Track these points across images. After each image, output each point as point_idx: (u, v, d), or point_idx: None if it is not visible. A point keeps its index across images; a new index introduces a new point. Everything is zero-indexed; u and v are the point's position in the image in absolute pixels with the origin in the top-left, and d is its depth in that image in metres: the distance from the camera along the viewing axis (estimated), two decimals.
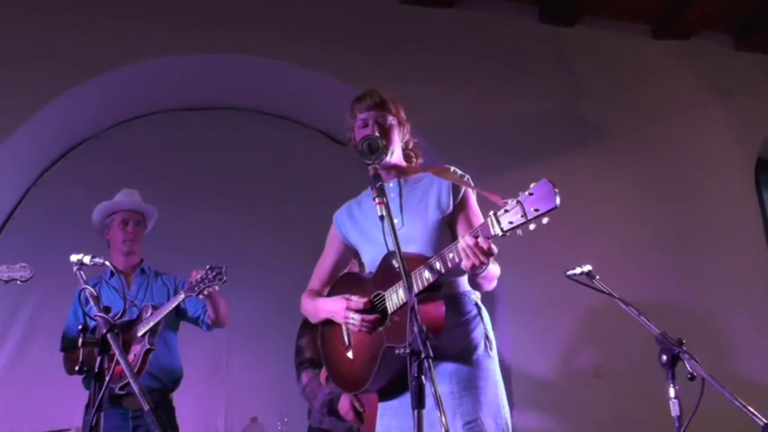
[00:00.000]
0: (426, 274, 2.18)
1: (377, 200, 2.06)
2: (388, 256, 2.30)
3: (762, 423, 2.45)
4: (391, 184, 2.53)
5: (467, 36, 5.48)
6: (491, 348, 2.40)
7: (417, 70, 5.25)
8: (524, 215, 1.91)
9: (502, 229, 1.99)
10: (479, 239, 2.06)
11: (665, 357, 2.70)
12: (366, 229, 2.55)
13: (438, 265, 2.18)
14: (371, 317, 2.32)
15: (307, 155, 5.62)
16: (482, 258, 2.06)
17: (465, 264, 2.09)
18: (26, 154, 4.86)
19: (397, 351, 2.16)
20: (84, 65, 4.69)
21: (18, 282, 3.34)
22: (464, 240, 2.08)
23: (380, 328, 2.32)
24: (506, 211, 1.97)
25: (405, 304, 2.16)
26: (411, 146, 2.65)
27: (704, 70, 5.94)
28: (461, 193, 2.47)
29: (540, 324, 4.90)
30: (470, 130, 5.21)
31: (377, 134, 2.44)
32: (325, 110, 5.58)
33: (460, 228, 2.42)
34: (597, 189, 5.36)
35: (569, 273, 3.16)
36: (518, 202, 1.93)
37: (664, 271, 5.20)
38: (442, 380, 2.28)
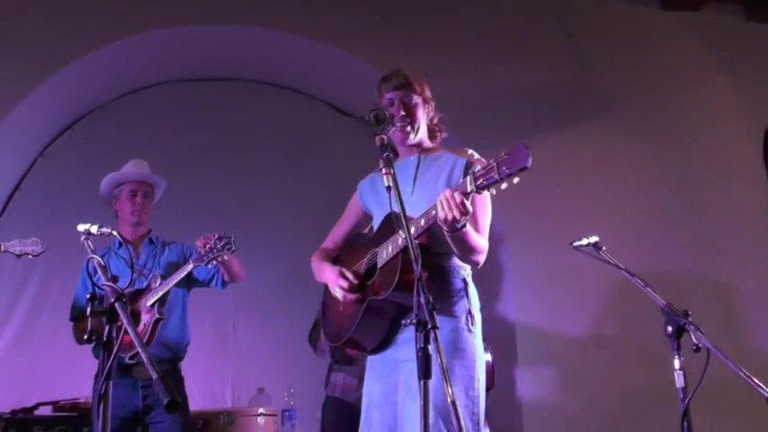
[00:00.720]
0: (412, 229, 2.26)
1: (384, 170, 2.08)
2: (389, 216, 2.42)
3: (767, 394, 2.46)
4: (412, 158, 2.64)
5: (474, 7, 5.43)
6: (473, 324, 2.46)
7: (424, 41, 5.21)
8: (498, 174, 1.95)
9: (477, 186, 2.04)
10: (455, 193, 2.11)
11: (670, 328, 2.70)
12: (383, 199, 2.60)
13: (422, 221, 2.26)
14: (353, 295, 2.47)
15: (312, 125, 5.61)
16: (455, 213, 2.11)
17: (440, 215, 2.15)
18: (32, 125, 4.85)
19: (403, 322, 2.21)
20: (89, 36, 4.67)
21: (30, 256, 3.37)
22: (443, 194, 2.15)
23: (369, 282, 2.45)
24: (484, 169, 2.02)
25: (392, 258, 2.32)
26: (435, 121, 2.73)
27: (714, 41, 5.87)
28: None
29: (546, 295, 4.91)
30: (478, 102, 5.18)
31: (402, 113, 2.57)
32: (330, 81, 5.56)
33: None
34: (605, 160, 5.34)
35: (576, 244, 3.16)
36: (495, 162, 1.98)
37: (670, 243, 5.19)
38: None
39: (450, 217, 2.13)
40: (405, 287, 2.26)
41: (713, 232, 5.33)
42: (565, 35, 5.63)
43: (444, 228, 2.20)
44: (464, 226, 2.21)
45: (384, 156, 2.12)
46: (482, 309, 2.56)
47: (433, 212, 2.21)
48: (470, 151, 2.57)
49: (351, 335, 2.50)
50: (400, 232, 2.25)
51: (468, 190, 2.08)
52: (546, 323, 4.88)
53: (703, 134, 5.61)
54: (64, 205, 4.84)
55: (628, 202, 5.26)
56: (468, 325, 2.44)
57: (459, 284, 2.48)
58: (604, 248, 3.12)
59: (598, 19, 5.69)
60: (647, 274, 3.05)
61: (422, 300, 1.83)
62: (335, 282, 2.53)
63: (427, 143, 2.69)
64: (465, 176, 2.32)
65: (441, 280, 2.44)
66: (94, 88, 5.16)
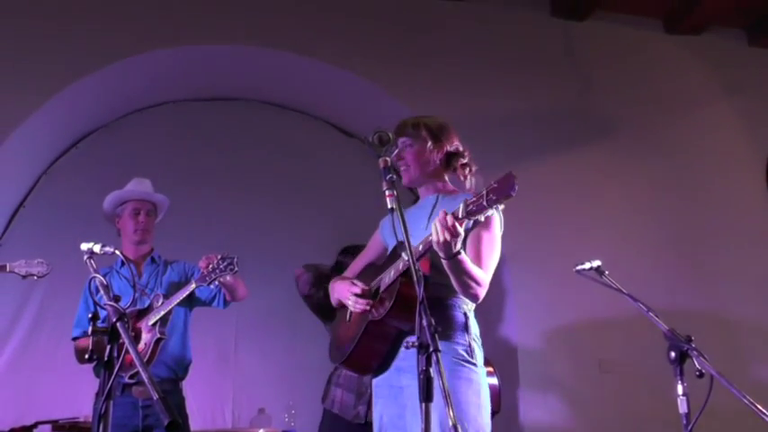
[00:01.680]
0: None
1: (387, 192, 2.09)
2: (396, 247, 2.49)
3: None
4: (431, 197, 2.70)
5: (477, 29, 5.46)
6: (474, 356, 2.49)
7: (427, 63, 5.24)
8: (485, 202, 2.05)
9: (468, 212, 2.12)
10: (447, 216, 2.18)
11: (673, 354, 2.69)
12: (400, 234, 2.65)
13: (420, 247, 2.32)
14: (364, 301, 2.54)
15: (316, 146, 5.63)
16: (446, 235, 2.17)
17: (433, 238, 2.21)
18: (37, 143, 4.87)
19: (404, 345, 2.24)
20: (94, 55, 4.70)
21: (35, 277, 3.37)
22: (436, 219, 2.21)
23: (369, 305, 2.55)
24: (475, 197, 2.10)
25: (392, 283, 2.42)
26: (453, 163, 2.73)
27: (716, 66, 5.89)
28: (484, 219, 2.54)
29: (548, 319, 4.90)
30: (480, 124, 5.19)
31: (396, 158, 2.62)
32: (335, 101, 5.58)
33: (469, 243, 2.49)
34: (607, 184, 5.35)
35: (578, 268, 3.15)
36: (485, 190, 2.07)
37: (673, 267, 5.18)
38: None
39: (441, 239, 2.18)
40: (401, 309, 2.34)
41: (716, 257, 5.32)
42: (567, 59, 5.66)
43: (440, 253, 2.24)
44: (459, 253, 2.25)
45: (387, 178, 2.14)
46: (484, 333, 2.59)
47: (430, 238, 2.25)
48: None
49: (350, 354, 2.55)
50: (403, 255, 2.31)
51: (461, 215, 2.15)
52: (548, 347, 4.86)
53: (706, 158, 5.62)
54: (67, 224, 4.84)
55: (630, 225, 5.26)
56: (468, 358, 2.46)
57: (461, 318, 2.52)
58: (607, 273, 3.11)
59: (601, 42, 5.72)
60: (650, 297, 3.05)
61: (424, 322, 1.83)
62: (348, 290, 2.61)
63: (447, 185, 2.74)
64: (482, 225, 2.41)
65: (442, 313, 2.46)
66: (99, 107, 5.19)
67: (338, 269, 3.90)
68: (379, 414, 2.59)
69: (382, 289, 2.50)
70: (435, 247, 2.22)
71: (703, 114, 5.76)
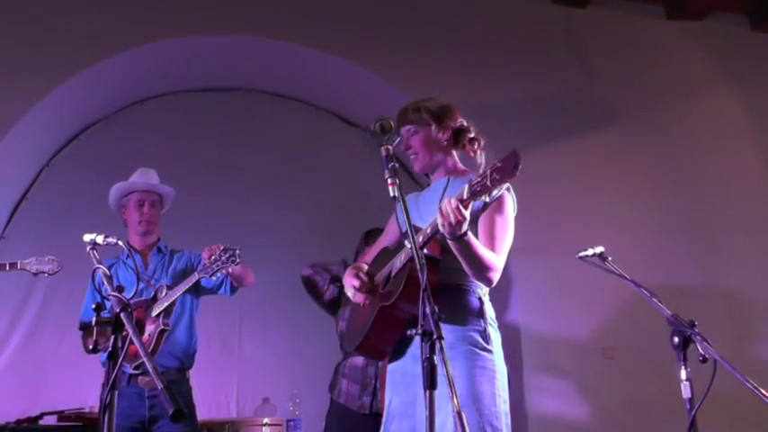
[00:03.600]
0: (420, 238, 2.32)
1: (389, 180, 2.10)
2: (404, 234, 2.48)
3: None
4: (442, 180, 2.68)
5: (479, 18, 5.45)
6: (488, 343, 2.46)
7: (429, 52, 5.22)
8: (489, 182, 2.03)
9: (471, 194, 2.11)
10: (452, 199, 2.17)
11: (676, 339, 2.69)
12: (414, 220, 2.64)
13: (428, 230, 2.32)
14: (362, 295, 2.58)
15: (318, 136, 5.62)
16: (451, 217, 2.15)
17: (439, 221, 2.20)
18: (38, 135, 4.87)
19: (409, 332, 2.23)
20: (96, 45, 4.69)
21: (46, 275, 3.38)
22: (442, 202, 2.21)
23: (381, 290, 2.54)
24: (479, 177, 2.09)
25: (402, 268, 2.41)
26: (461, 139, 2.72)
27: (719, 52, 5.87)
28: (495, 199, 2.53)
29: (552, 305, 4.90)
30: (481, 113, 5.11)
31: (404, 148, 2.66)
32: (336, 91, 5.57)
33: (480, 225, 2.49)
34: (609, 171, 5.34)
35: (581, 254, 3.14)
36: (488, 170, 2.05)
37: (676, 253, 5.19)
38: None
39: (446, 222, 2.17)
40: (412, 294, 2.28)
41: (719, 242, 5.32)
42: (569, 46, 5.63)
43: (447, 236, 2.23)
44: (465, 234, 2.23)
45: (389, 166, 2.15)
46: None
47: (437, 221, 2.24)
48: None
49: (363, 339, 2.53)
50: (406, 243, 2.31)
51: (465, 197, 2.13)
52: (552, 333, 4.87)
53: (708, 144, 5.60)
54: (70, 215, 4.84)
55: (633, 212, 5.26)
56: (483, 344, 2.44)
57: (476, 303, 2.50)
58: (610, 259, 3.11)
59: (602, 29, 5.70)
60: (653, 283, 3.04)
61: (427, 310, 1.84)
62: (350, 281, 2.62)
63: (457, 165, 2.72)
64: (493, 205, 2.46)
65: (456, 299, 2.46)
66: (101, 99, 5.18)
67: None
68: (389, 400, 2.57)
69: (393, 273, 2.49)
70: (441, 229, 2.21)
71: (705, 100, 5.75)
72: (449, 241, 2.27)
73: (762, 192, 5.59)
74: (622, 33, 5.72)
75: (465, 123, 2.73)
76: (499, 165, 2.01)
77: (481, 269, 2.39)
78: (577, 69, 5.58)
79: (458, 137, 2.71)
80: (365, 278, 2.61)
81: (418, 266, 1.94)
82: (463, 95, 5.12)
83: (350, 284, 2.61)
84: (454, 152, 2.72)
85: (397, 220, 2.15)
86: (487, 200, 2.13)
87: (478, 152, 2.71)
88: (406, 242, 2.26)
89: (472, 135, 2.73)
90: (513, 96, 5.32)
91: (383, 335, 2.51)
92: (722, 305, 5.10)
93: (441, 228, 2.21)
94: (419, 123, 2.68)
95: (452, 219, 2.15)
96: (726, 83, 5.82)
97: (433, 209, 2.42)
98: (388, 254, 2.67)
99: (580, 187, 5.20)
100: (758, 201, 5.55)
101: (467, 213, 2.17)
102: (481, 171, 2.11)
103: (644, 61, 5.68)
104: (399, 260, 2.46)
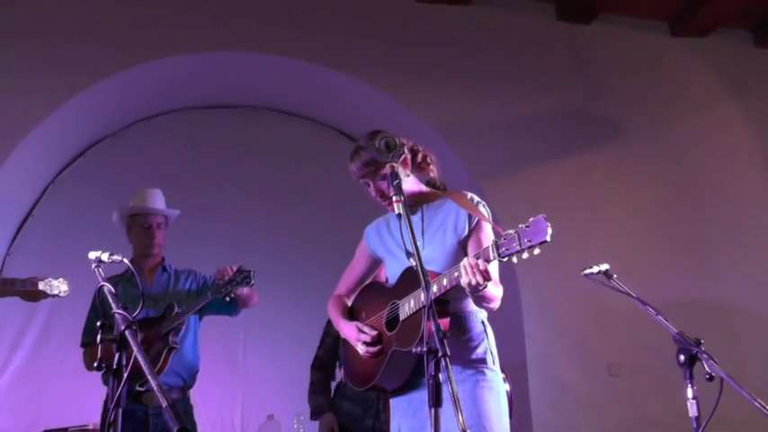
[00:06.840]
0: (434, 288, 2.33)
1: (394, 197, 2.10)
2: (408, 269, 2.50)
3: None
4: (416, 214, 2.63)
5: (483, 34, 5.47)
6: (494, 363, 2.52)
7: (433, 68, 5.25)
8: (519, 245, 2.07)
9: (499, 255, 2.15)
10: (479, 261, 2.21)
11: (682, 357, 2.68)
12: (391, 248, 2.70)
13: (445, 281, 2.33)
14: (374, 349, 2.55)
15: (324, 152, 5.62)
16: (478, 279, 2.21)
17: (463, 280, 2.23)
18: (44, 152, 4.89)
19: (414, 349, 2.23)
20: (101, 63, 4.72)
21: (59, 296, 3.38)
22: (467, 260, 2.23)
23: (391, 333, 2.51)
24: (505, 239, 2.12)
25: (415, 313, 2.38)
26: (420, 160, 2.71)
27: (723, 68, 5.88)
28: (476, 219, 2.57)
29: (557, 323, 4.88)
30: (486, 128, 5.19)
31: (378, 198, 2.60)
32: (340, 107, 5.59)
33: (471, 250, 2.52)
34: (614, 187, 5.34)
35: (586, 272, 3.14)
36: (516, 232, 2.09)
37: (681, 270, 5.17)
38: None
39: (473, 282, 2.21)
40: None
41: (724, 259, 5.30)
42: (574, 62, 5.65)
43: (467, 290, 2.28)
44: (485, 287, 2.27)
45: (394, 183, 2.15)
46: (494, 338, 2.60)
47: (456, 274, 2.27)
48: (470, 195, 2.62)
49: (376, 382, 2.56)
50: (411, 260, 2.33)
51: (491, 258, 2.18)
52: (557, 350, 4.85)
53: (713, 160, 5.60)
54: (75, 232, 4.86)
55: (638, 228, 5.25)
56: (490, 364, 2.50)
57: (479, 327, 2.54)
58: (615, 276, 3.10)
59: (607, 45, 5.71)
60: (659, 300, 3.04)
61: (432, 327, 1.86)
62: (356, 338, 2.60)
63: (422, 188, 2.69)
64: (477, 227, 2.51)
65: (462, 325, 2.50)
66: (107, 115, 5.20)
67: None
68: (397, 426, 2.59)
69: (403, 317, 2.47)
70: (464, 285, 2.24)
71: (710, 116, 5.75)
72: (468, 293, 2.33)
73: (765, 206, 5.57)
74: (627, 50, 5.74)
75: (410, 144, 2.67)
76: (527, 228, 2.06)
77: (489, 302, 2.45)
78: (582, 85, 5.60)
79: (413, 162, 2.68)
80: (373, 332, 2.57)
81: (423, 284, 1.96)
82: (468, 110, 5.17)
83: (359, 340, 2.58)
84: (414, 175, 2.68)
85: (402, 240, 2.20)
86: (515, 260, 2.14)
87: (432, 167, 2.72)
88: (411, 260, 2.29)
89: (422, 151, 2.72)
90: (517, 112, 5.33)
91: (396, 373, 2.53)
92: (729, 322, 5.07)
93: (463, 284, 2.24)
94: (376, 172, 2.56)
95: (480, 279, 2.20)
96: (730, 99, 5.82)
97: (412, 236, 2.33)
98: (381, 290, 2.66)
99: (584, 204, 5.19)
100: (764, 216, 5.53)
101: (493, 275, 2.26)
102: (506, 233, 2.13)
103: (649, 77, 5.69)
104: (408, 305, 2.43)
